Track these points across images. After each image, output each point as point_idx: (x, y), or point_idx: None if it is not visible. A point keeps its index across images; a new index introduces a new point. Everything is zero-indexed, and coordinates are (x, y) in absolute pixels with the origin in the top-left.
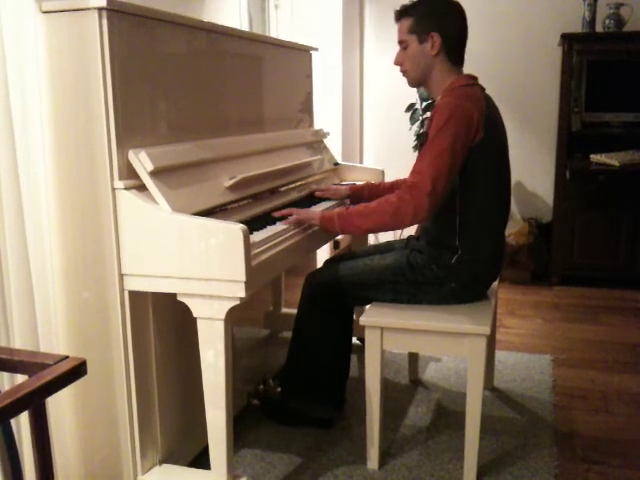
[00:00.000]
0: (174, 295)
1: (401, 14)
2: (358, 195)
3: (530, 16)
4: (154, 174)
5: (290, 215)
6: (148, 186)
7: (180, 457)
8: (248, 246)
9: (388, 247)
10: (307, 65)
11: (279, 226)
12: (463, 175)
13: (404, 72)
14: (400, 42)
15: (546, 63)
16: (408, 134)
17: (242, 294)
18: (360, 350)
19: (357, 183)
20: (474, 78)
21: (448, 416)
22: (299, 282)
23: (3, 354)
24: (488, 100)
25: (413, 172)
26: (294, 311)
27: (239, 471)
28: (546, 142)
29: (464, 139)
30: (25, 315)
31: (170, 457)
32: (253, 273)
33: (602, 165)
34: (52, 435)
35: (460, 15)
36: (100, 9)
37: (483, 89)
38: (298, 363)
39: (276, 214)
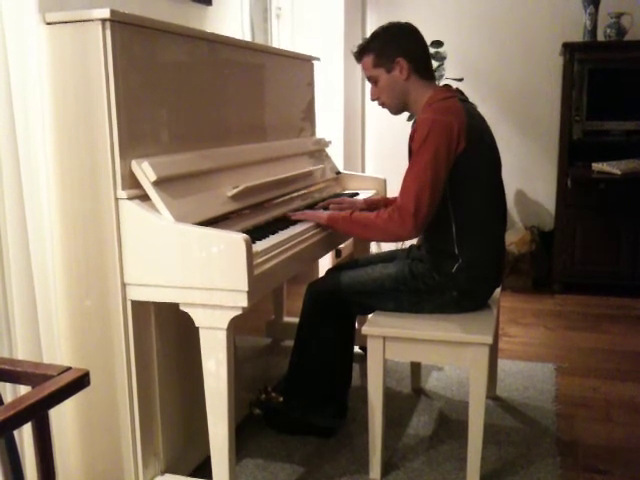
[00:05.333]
0: (176, 305)
1: (360, 54)
2: (374, 209)
3: (531, 25)
4: (157, 184)
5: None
6: (151, 196)
7: (182, 467)
8: (250, 255)
9: (390, 256)
10: (309, 74)
11: (281, 235)
12: (452, 184)
13: (383, 104)
14: (369, 78)
15: (547, 72)
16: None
17: (244, 304)
18: (362, 359)
19: (360, 193)
20: (452, 90)
21: (450, 425)
22: (301, 291)
23: (6, 365)
24: (470, 110)
25: (400, 191)
26: (296, 320)
27: None
28: (547, 150)
29: (446, 152)
30: (28, 325)
31: (172, 467)
32: (255, 282)
33: (604, 173)
34: (54, 445)
35: (415, 33)
36: (103, 20)
37: (465, 100)
38: (300, 372)
39: (290, 214)
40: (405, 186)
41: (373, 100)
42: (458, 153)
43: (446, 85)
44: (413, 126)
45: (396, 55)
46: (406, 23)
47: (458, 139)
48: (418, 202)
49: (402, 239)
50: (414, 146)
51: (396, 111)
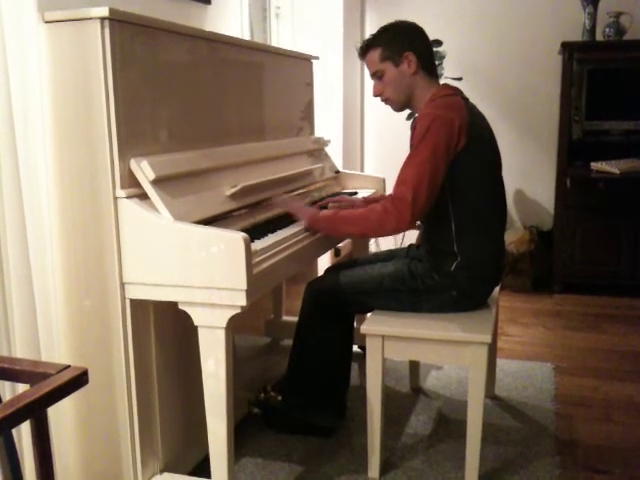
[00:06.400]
0: (175, 303)
1: (366, 48)
2: None
3: (530, 25)
4: (156, 183)
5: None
6: (150, 195)
7: (181, 466)
8: (249, 254)
9: (389, 255)
10: (308, 73)
11: (280, 234)
12: (452, 182)
13: (386, 100)
14: (374, 74)
15: (546, 71)
16: (409, 142)
17: (243, 302)
18: (361, 358)
19: (359, 192)
20: (454, 89)
21: (449, 424)
22: (300, 290)
23: (5, 363)
24: (471, 108)
25: (397, 182)
26: (295, 319)
27: None
28: (547, 150)
29: (446, 147)
30: (26, 324)
31: (171, 466)
32: (254, 281)
33: (603, 173)
34: (53, 443)
35: (422, 32)
36: (102, 19)
37: (466, 99)
38: (299, 371)
39: (276, 201)
40: (402, 177)
41: (376, 96)
42: (458, 150)
43: (446, 84)
44: (413, 123)
45: (405, 49)
46: (413, 22)
47: (459, 136)
48: (416, 192)
49: (398, 231)
50: (414, 139)
51: (399, 107)
